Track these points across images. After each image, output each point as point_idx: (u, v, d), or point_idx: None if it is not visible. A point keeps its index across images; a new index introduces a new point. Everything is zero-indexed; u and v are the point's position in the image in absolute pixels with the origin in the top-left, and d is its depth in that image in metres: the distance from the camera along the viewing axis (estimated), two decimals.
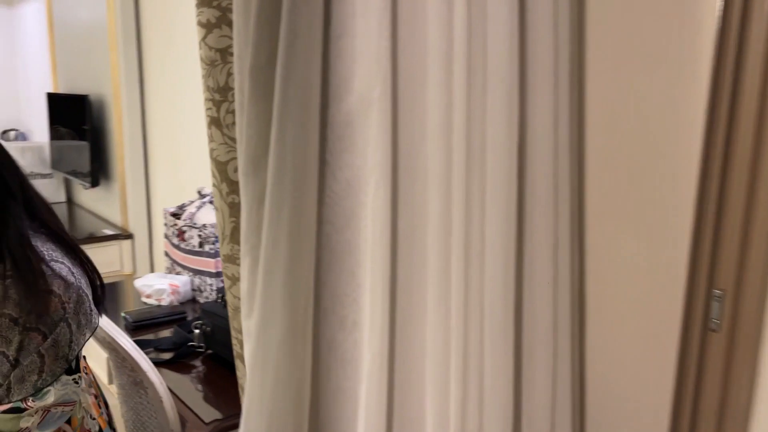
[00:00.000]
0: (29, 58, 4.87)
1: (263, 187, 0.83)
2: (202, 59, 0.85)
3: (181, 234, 2.40)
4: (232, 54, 0.85)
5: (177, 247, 2.44)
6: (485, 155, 0.79)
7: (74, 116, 3.56)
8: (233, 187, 0.87)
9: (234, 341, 0.96)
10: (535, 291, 0.81)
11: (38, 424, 1.13)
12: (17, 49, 5.16)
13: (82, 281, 1.20)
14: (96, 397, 1.33)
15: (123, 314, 2.22)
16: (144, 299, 2.36)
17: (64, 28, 3.93)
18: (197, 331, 1.95)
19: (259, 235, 0.84)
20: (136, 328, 2.15)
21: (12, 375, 1.12)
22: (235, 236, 0.88)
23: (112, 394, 2.03)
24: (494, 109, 0.78)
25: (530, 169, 0.81)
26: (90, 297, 1.22)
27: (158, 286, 2.32)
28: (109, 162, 3.50)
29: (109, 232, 3.37)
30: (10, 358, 1.12)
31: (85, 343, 1.22)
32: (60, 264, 1.16)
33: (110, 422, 1.40)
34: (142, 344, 2.00)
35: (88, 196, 3.91)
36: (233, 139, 0.86)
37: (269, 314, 0.81)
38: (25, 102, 5.08)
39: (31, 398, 1.13)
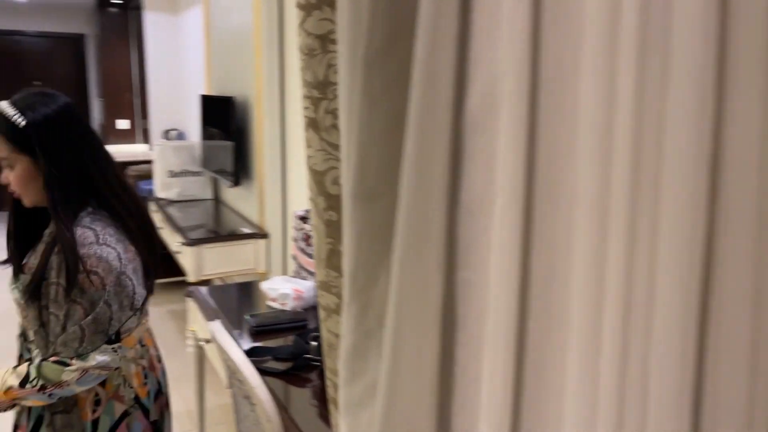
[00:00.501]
0: (190, 62, 5.21)
1: (381, 212, 0.67)
2: (300, 49, 0.71)
3: (307, 238, 2.34)
4: (333, 41, 0.70)
5: (303, 251, 2.38)
6: (660, 173, 0.56)
7: (222, 117, 3.70)
8: (331, 201, 0.72)
9: (327, 383, 0.82)
10: (722, 364, 0.57)
11: (77, 380, 1.27)
12: (181, 53, 5.54)
13: (129, 267, 1.31)
14: (144, 368, 1.47)
15: (246, 317, 2.19)
16: (269, 302, 2.33)
17: (217, 33, 4.11)
18: (314, 343, 1.86)
19: (372, 276, 0.68)
20: (258, 332, 2.11)
21: (58, 339, 1.26)
22: (332, 260, 0.74)
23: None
24: (677, 108, 0.55)
25: (725, 194, 0.58)
26: (135, 280, 1.33)
27: (283, 290, 2.28)
28: (250, 162, 3.58)
29: (246, 230, 3.45)
30: (60, 323, 1.25)
31: (126, 320, 1.32)
32: (110, 249, 1.28)
33: (158, 391, 1.52)
34: (260, 351, 1.95)
35: (231, 195, 4.06)
36: (332, 145, 0.71)
37: (395, 384, 0.65)
38: (185, 103, 5.44)
39: (75, 358, 1.28)
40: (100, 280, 1.26)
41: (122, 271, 1.30)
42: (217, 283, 4.14)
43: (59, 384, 1.27)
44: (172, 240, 3.65)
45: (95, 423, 1.36)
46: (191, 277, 3.30)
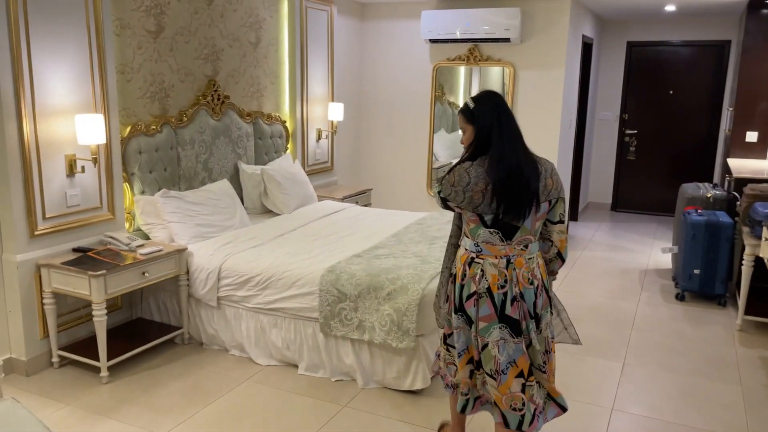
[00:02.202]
0: None
1: None
2: None
3: None
4: None
5: None
6: None
7: None
8: None
9: None
10: None
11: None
12: None
13: (469, 193, 2.12)
14: (505, 276, 2.17)
15: None
16: None
17: None
18: None
19: None
20: None
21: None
22: None
23: None
24: None
25: None
26: (465, 199, 2.13)
27: None
28: None
29: None
30: None
31: (453, 207, 2.23)
32: (468, 177, 2.13)
33: (517, 299, 2.18)
34: None
35: None
36: None
37: None
38: None
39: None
40: (452, 183, 2.17)
41: (464, 188, 2.14)
42: None
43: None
44: None
45: (461, 287, 2.24)
46: None
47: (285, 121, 5.20)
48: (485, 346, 2.20)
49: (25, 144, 3.07)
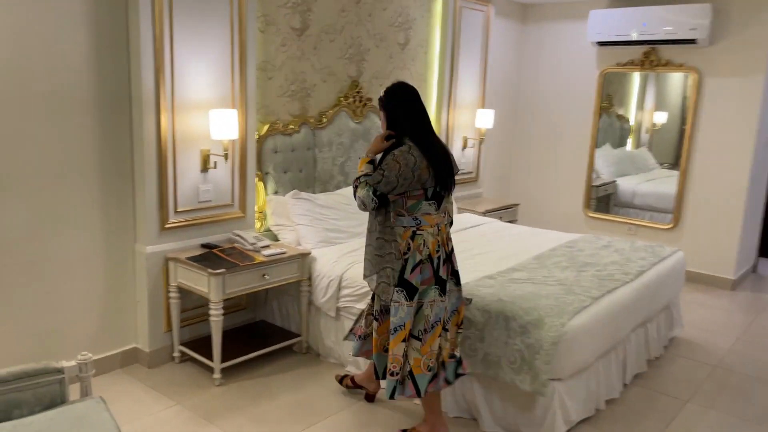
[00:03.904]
0: None
1: None
2: None
3: None
4: None
5: None
6: None
7: None
8: None
9: None
10: None
11: (356, 187, 2.56)
12: None
13: (417, 172, 2.38)
14: (438, 242, 2.49)
15: None
16: None
17: None
18: None
19: None
20: None
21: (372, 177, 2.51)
22: None
23: None
24: None
25: None
26: (413, 179, 2.39)
27: None
28: None
29: None
30: (377, 174, 2.46)
31: (393, 198, 2.45)
32: (410, 156, 2.39)
33: (446, 259, 2.53)
34: None
35: None
36: None
37: None
38: None
39: (366, 183, 2.50)
40: (397, 171, 2.38)
41: (412, 168, 2.38)
42: None
43: (357, 180, 2.55)
44: None
45: (405, 261, 2.45)
46: None
47: None
48: (420, 307, 2.46)
49: (162, 137, 3.08)
